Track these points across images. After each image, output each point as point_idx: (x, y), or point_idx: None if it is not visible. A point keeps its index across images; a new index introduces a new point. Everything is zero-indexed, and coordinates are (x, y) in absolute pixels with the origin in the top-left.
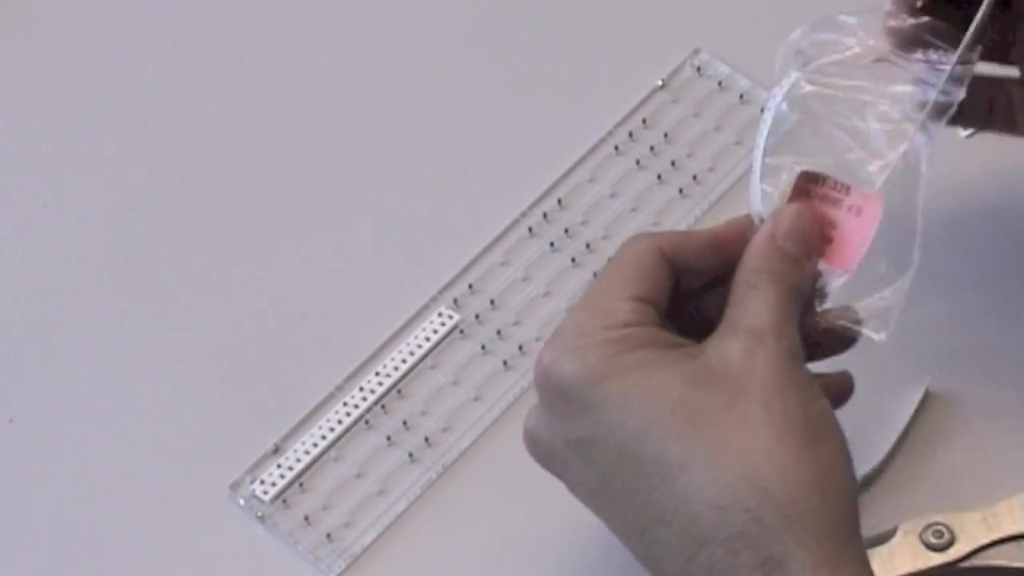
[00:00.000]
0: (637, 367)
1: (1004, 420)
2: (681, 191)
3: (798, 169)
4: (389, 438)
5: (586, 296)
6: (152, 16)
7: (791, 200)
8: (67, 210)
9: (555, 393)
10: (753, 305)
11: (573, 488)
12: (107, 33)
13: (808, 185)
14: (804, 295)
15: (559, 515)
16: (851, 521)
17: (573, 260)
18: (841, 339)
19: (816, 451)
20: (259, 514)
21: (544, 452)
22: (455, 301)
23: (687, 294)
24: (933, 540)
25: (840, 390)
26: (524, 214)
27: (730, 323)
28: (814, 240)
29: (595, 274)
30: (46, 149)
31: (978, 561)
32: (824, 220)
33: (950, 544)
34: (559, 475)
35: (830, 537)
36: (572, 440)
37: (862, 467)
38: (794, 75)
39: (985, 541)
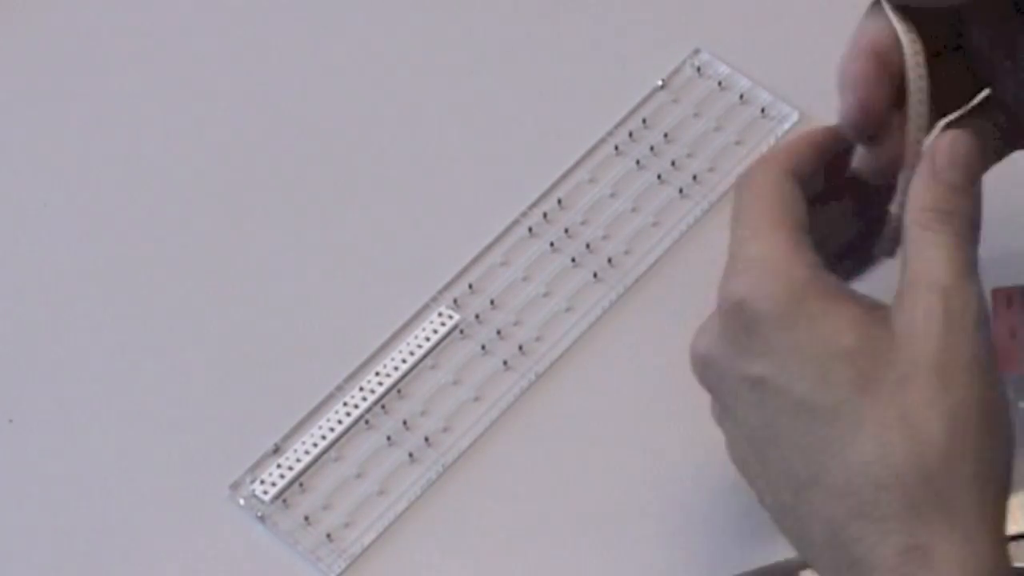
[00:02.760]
0: (825, 320)
1: None
2: (681, 191)
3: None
4: (389, 438)
5: (753, 226)
6: (153, 16)
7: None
8: (67, 210)
9: (745, 326)
10: (931, 254)
11: (737, 421)
12: (108, 33)
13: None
14: (978, 227)
15: (559, 515)
16: (1002, 519)
17: (573, 260)
18: None
19: (986, 443)
20: (259, 514)
21: (715, 378)
22: (455, 301)
23: None
24: None
25: None
26: (524, 214)
27: (911, 278)
28: (976, 163)
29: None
30: (46, 149)
31: None
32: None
33: None
34: (726, 404)
35: (979, 534)
36: (751, 377)
37: None
38: None
39: None
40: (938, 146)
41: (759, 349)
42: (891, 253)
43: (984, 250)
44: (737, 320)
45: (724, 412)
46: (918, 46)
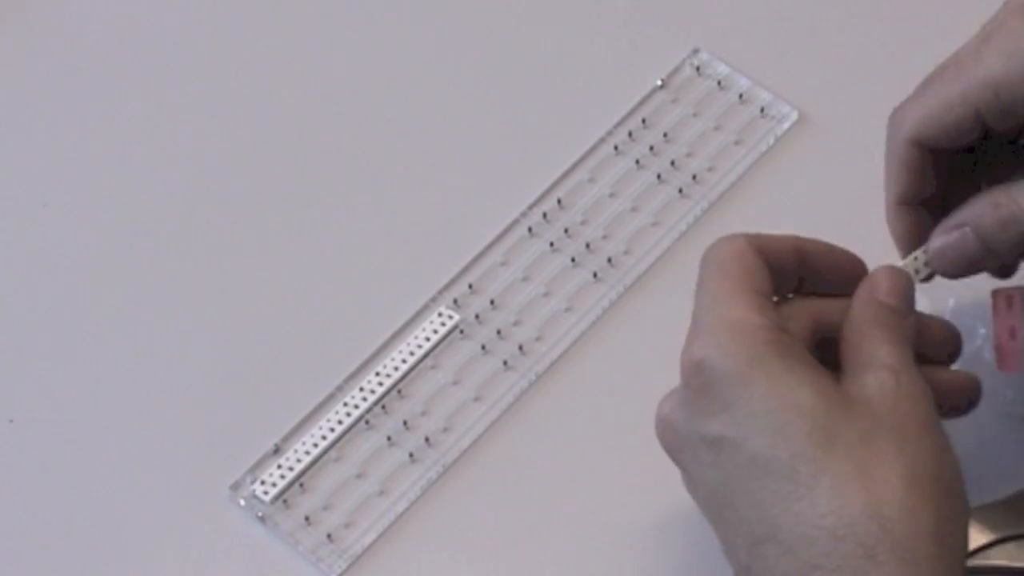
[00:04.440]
0: (783, 377)
1: (1004, 420)
2: (681, 191)
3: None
4: (389, 438)
5: (714, 293)
6: (153, 16)
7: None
8: (67, 210)
9: (704, 386)
10: (876, 348)
11: (695, 484)
12: (108, 33)
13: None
14: (913, 347)
15: (559, 515)
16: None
17: (573, 260)
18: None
19: (942, 501)
20: (259, 514)
21: (675, 441)
22: (455, 301)
23: None
24: None
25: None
26: (524, 214)
27: (858, 361)
28: (910, 297)
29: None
30: (46, 149)
31: (978, 561)
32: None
33: None
34: (684, 467)
35: None
36: (708, 437)
37: None
38: None
39: (985, 541)
40: (877, 276)
41: (717, 407)
42: None
43: None
44: (697, 380)
45: (685, 476)
46: None
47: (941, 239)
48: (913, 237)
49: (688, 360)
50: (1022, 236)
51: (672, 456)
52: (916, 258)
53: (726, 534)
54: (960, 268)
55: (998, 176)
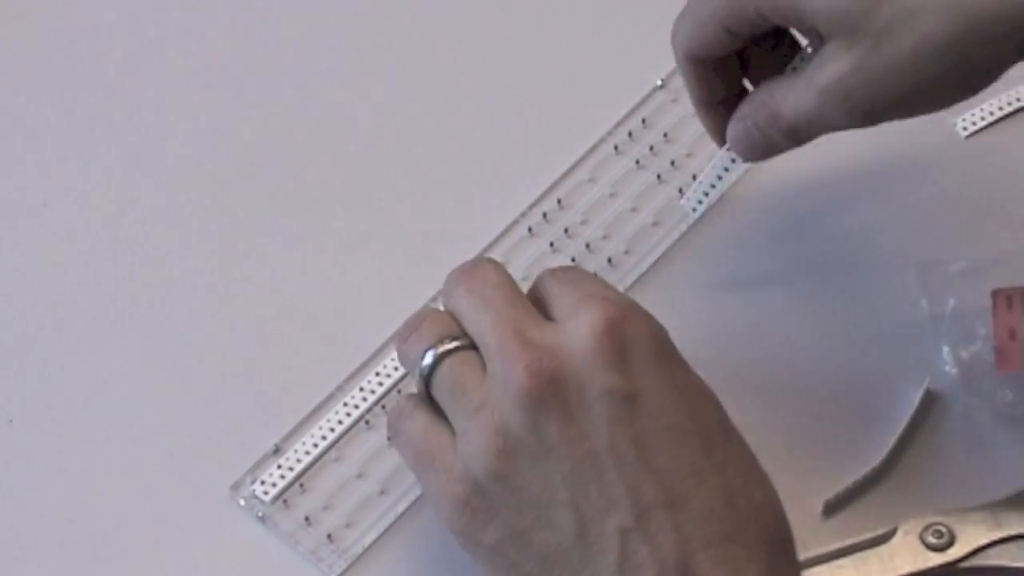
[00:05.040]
0: (688, 367)
1: (1004, 420)
2: (681, 191)
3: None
4: (389, 439)
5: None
6: (153, 16)
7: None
8: (67, 210)
9: (622, 347)
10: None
11: (580, 435)
12: (108, 33)
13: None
14: None
15: None
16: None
17: (573, 260)
18: None
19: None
20: (260, 514)
21: (568, 382)
22: None
23: None
24: (933, 540)
25: None
26: (524, 214)
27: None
28: None
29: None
30: (46, 149)
31: (978, 561)
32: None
33: (950, 544)
34: (570, 413)
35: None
36: (622, 391)
37: (862, 467)
38: None
39: (985, 541)
40: None
41: (636, 369)
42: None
43: (984, 251)
44: (612, 338)
45: (562, 423)
46: None
47: (731, 132)
48: (721, 132)
49: (608, 318)
50: (788, 127)
51: (552, 399)
52: (728, 149)
53: (605, 494)
54: (756, 154)
55: (769, 73)
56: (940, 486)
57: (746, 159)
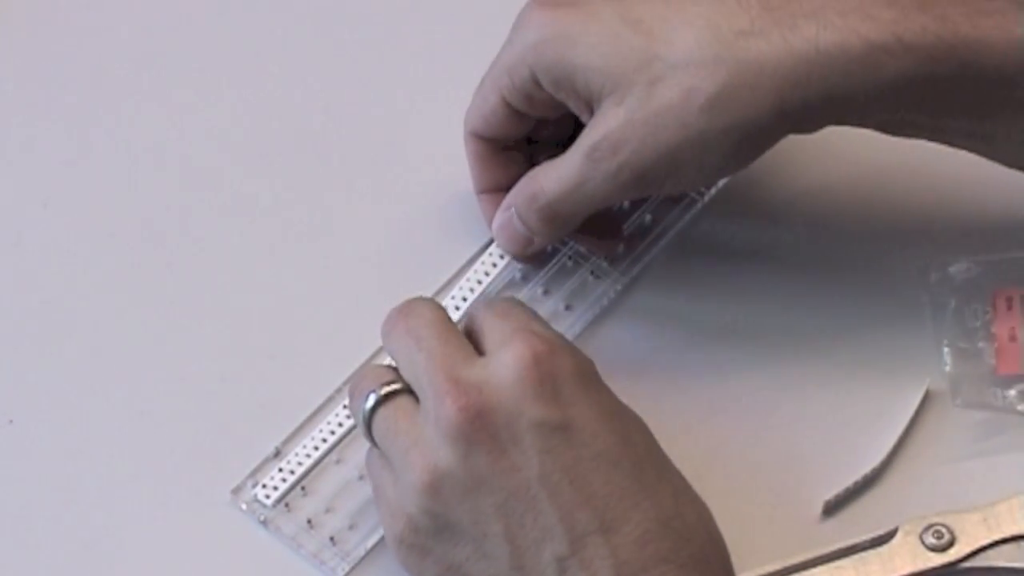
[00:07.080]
0: (609, 392)
1: (1004, 420)
2: None
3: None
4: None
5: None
6: (153, 17)
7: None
8: (67, 210)
9: (548, 377)
10: None
11: (513, 468)
12: (108, 33)
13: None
14: None
15: None
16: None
17: (571, 258)
18: None
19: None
20: (261, 518)
21: (498, 418)
22: (455, 300)
23: None
24: (933, 540)
25: None
26: None
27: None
28: None
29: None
30: (46, 149)
31: (978, 562)
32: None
33: (950, 545)
34: (502, 447)
35: None
36: (551, 422)
37: (862, 467)
38: None
39: (985, 542)
40: None
41: (565, 399)
42: None
43: (984, 251)
44: (538, 371)
45: (493, 457)
46: None
47: (495, 223)
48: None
49: (534, 352)
50: (547, 204)
51: (481, 432)
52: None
53: (539, 523)
54: (515, 246)
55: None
56: (940, 486)
57: (507, 252)
